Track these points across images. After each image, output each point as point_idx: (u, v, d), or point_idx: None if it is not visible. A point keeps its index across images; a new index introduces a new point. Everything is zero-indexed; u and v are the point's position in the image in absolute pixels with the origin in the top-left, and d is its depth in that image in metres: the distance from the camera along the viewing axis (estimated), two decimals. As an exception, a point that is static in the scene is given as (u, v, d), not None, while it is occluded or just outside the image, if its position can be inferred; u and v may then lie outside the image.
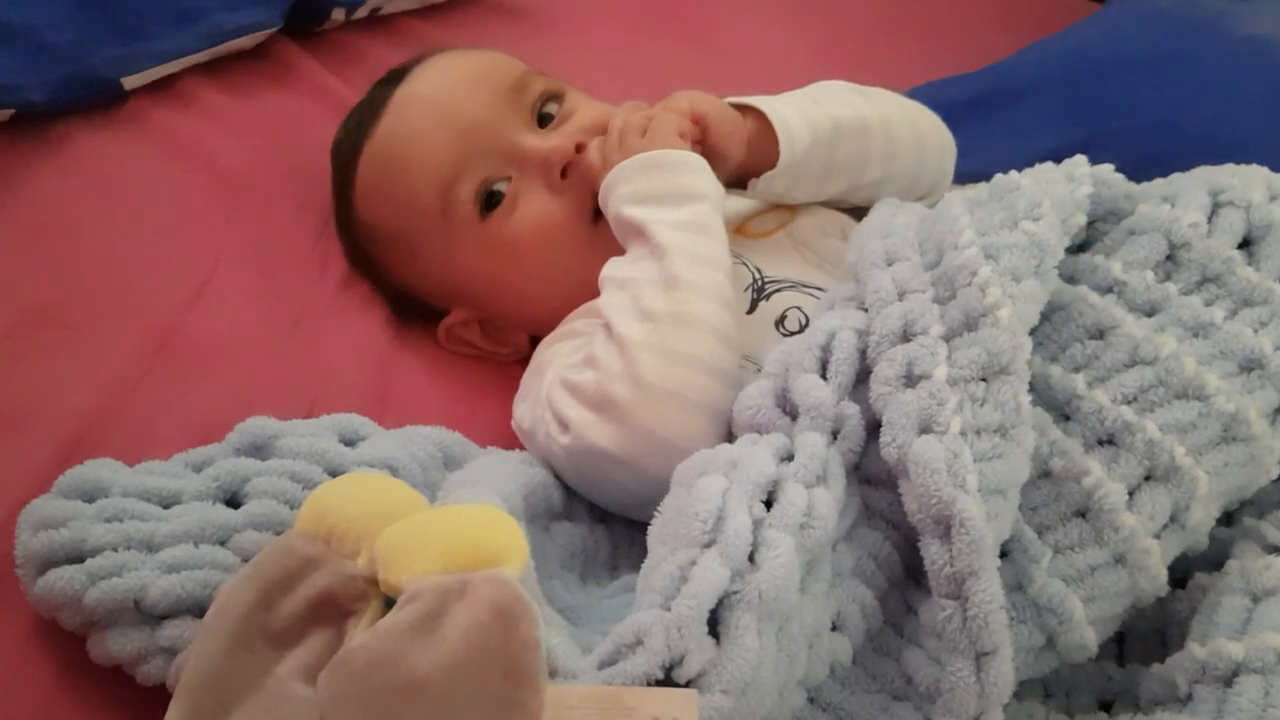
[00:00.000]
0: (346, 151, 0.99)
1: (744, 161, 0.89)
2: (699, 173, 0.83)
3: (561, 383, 0.80)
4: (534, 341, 0.96)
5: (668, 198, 0.81)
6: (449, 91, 0.95)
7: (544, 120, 0.96)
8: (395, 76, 0.99)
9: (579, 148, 0.91)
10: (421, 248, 0.95)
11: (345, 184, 0.99)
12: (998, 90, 1.34)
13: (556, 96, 0.97)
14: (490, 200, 0.93)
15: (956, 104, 1.23)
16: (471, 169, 0.92)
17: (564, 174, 0.92)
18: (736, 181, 0.91)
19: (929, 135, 0.97)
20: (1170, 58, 1.30)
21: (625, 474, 0.75)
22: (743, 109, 0.90)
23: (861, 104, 0.93)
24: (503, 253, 0.93)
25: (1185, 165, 0.88)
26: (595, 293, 0.89)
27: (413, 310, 1.00)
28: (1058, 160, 0.88)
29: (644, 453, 0.73)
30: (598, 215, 0.91)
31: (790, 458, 0.67)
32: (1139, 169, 0.87)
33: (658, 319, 0.77)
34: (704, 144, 0.86)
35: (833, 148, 0.90)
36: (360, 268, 1.01)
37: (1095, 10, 1.51)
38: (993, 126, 1.28)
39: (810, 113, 0.90)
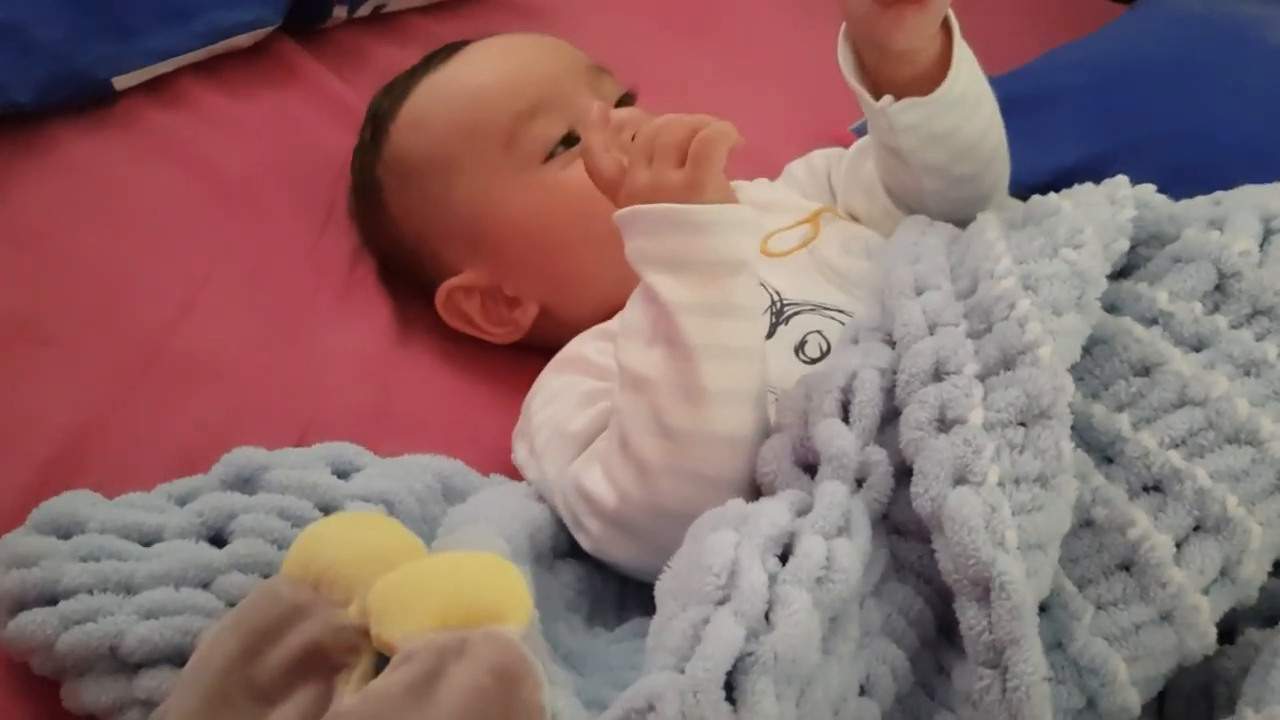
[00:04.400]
0: (391, 97, 0.97)
1: (905, 53, 0.76)
2: (738, 233, 0.71)
3: (577, 489, 0.75)
4: (539, 323, 0.92)
5: (697, 266, 0.70)
6: (528, 50, 0.96)
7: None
8: (458, 44, 0.99)
9: None
10: (462, 179, 0.92)
11: (381, 123, 0.97)
12: (1021, 96, 1.29)
13: (630, 98, 0.96)
14: (565, 142, 0.91)
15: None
16: (545, 113, 0.91)
17: (634, 140, 0.89)
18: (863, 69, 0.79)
19: (1007, 170, 0.90)
20: (1202, 65, 1.26)
21: (649, 575, 0.71)
22: None
23: (994, 101, 0.85)
24: (554, 198, 0.90)
25: (1219, 177, 0.85)
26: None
27: (418, 283, 0.96)
28: (1085, 171, 0.85)
29: (665, 562, 0.67)
30: None
31: (809, 511, 0.62)
32: (1171, 181, 0.84)
33: (679, 439, 0.70)
34: (900, 7, 0.72)
35: (966, 116, 0.81)
36: (368, 223, 0.98)
37: (1121, 13, 1.47)
38: (1017, 134, 1.22)
39: (975, 71, 0.80)
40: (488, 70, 0.94)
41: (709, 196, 0.71)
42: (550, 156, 0.91)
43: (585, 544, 0.75)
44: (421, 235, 0.95)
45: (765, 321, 0.83)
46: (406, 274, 0.98)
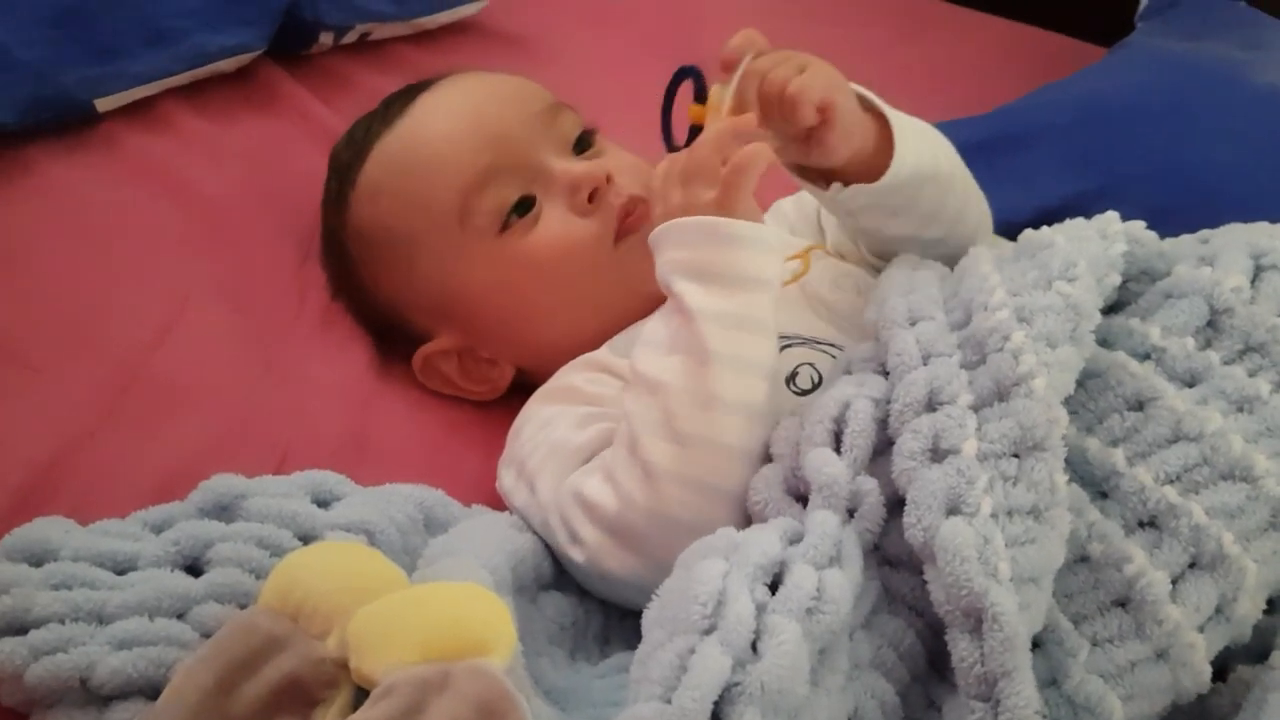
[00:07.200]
0: (351, 152, 0.95)
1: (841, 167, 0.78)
2: (766, 253, 0.73)
3: (575, 497, 0.74)
4: (519, 377, 0.92)
5: (724, 277, 0.72)
6: (480, 102, 0.92)
7: (578, 150, 0.93)
8: (415, 88, 0.96)
9: (609, 178, 0.89)
10: (423, 254, 0.90)
11: (344, 184, 0.94)
12: (1003, 136, 1.30)
13: (589, 135, 0.94)
14: (518, 209, 0.89)
15: (960, 148, 1.18)
16: (497, 180, 0.88)
17: (591, 198, 0.88)
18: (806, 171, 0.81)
19: (986, 215, 0.90)
20: (1184, 106, 1.27)
21: (638, 594, 0.70)
22: (865, 106, 0.79)
23: (950, 156, 0.85)
24: (514, 269, 0.88)
25: (1201, 218, 0.85)
26: (602, 324, 0.86)
27: (395, 338, 0.95)
28: (1069, 210, 0.84)
29: (660, 579, 0.66)
30: (619, 241, 0.88)
31: (800, 540, 0.61)
32: (1154, 222, 0.83)
33: (689, 444, 0.70)
34: (817, 134, 0.74)
35: (919, 189, 0.81)
36: (341, 284, 0.96)
37: (1103, 55, 1.48)
38: (998, 173, 1.22)
39: (919, 144, 0.80)
40: (438, 132, 0.91)
41: (739, 217, 0.73)
42: (506, 226, 0.89)
43: (578, 558, 0.74)
44: (393, 303, 0.94)
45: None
46: (381, 330, 0.96)
